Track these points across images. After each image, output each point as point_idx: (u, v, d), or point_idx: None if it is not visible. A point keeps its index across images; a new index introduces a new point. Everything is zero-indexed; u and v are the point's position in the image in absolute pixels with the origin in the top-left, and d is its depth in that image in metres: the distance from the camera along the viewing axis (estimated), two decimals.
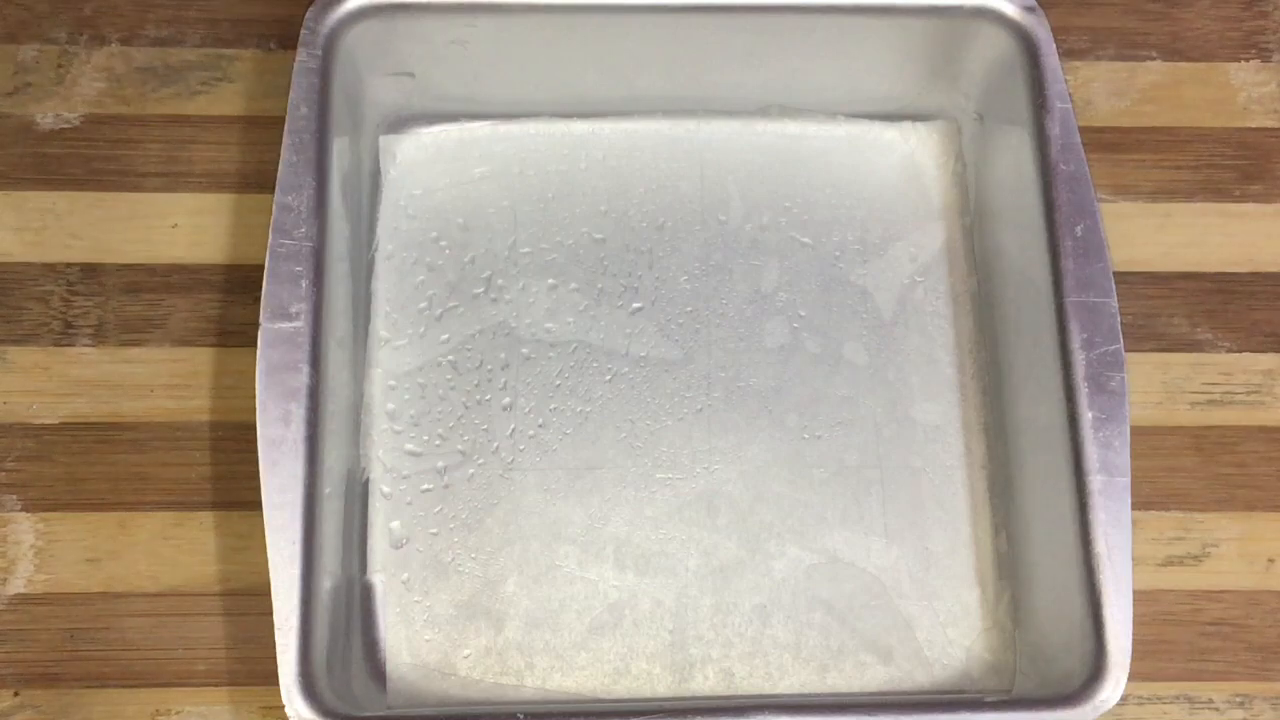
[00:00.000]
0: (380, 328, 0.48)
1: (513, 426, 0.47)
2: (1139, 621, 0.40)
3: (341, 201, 0.45)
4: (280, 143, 0.44)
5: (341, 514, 0.43)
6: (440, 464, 0.47)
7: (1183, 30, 0.53)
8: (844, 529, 0.46)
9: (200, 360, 0.48)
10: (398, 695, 0.44)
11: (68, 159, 0.50)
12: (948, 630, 0.45)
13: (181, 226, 0.49)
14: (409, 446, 0.47)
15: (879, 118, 0.51)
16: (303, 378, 0.42)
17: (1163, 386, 0.48)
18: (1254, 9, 0.54)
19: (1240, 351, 0.49)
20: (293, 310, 0.42)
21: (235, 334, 0.48)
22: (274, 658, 0.39)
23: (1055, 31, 0.46)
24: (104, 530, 0.46)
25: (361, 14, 0.46)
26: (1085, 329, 0.43)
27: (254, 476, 0.41)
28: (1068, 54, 0.52)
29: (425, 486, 0.46)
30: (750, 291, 0.49)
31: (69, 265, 0.49)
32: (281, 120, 0.44)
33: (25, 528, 0.46)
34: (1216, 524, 0.47)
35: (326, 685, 0.40)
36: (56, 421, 0.47)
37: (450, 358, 0.48)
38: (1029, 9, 0.46)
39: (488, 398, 0.47)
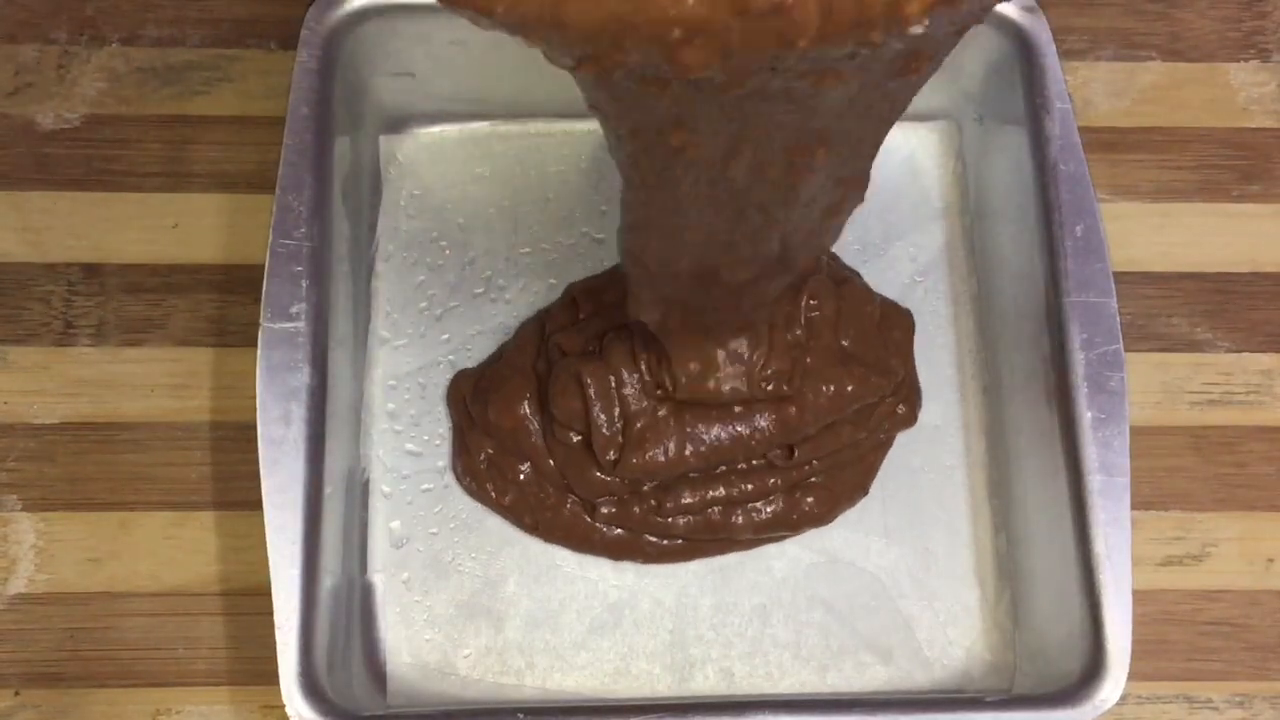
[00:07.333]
0: (380, 328, 0.48)
1: None
2: (1139, 621, 0.40)
3: (341, 201, 0.45)
4: (280, 143, 0.44)
5: (341, 514, 0.43)
6: (440, 464, 0.47)
7: (1182, 30, 0.53)
8: (844, 529, 0.46)
9: (200, 360, 0.48)
10: (398, 695, 0.44)
11: (68, 159, 0.50)
12: (948, 630, 0.45)
13: (181, 226, 0.49)
14: (409, 446, 0.47)
15: None
16: (303, 378, 0.42)
17: (1162, 386, 0.49)
18: (1254, 9, 0.54)
19: (1240, 351, 0.49)
20: (293, 310, 0.42)
21: (235, 334, 0.48)
22: (274, 657, 0.39)
23: (1055, 32, 0.46)
24: (104, 530, 0.46)
25: (362, 14, 0.46)
26: (1085, 329, 0.43)
27: (254, 476, 0.41)
28: (1067, 54, 0.52)
29: (425, 486, 0.46)
30: None
31: (69, 265, 0.49)
32: (281, 120, 0.44)
33: (25, 527, 0.46)
34: (1216, 524, 0.47)
35: (327, 685, 0.40)
36: (57, 421, 0.47)
37: (450, 358, 0.48)
38: (1029, 9, 0.46)
39: None
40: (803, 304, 0.44)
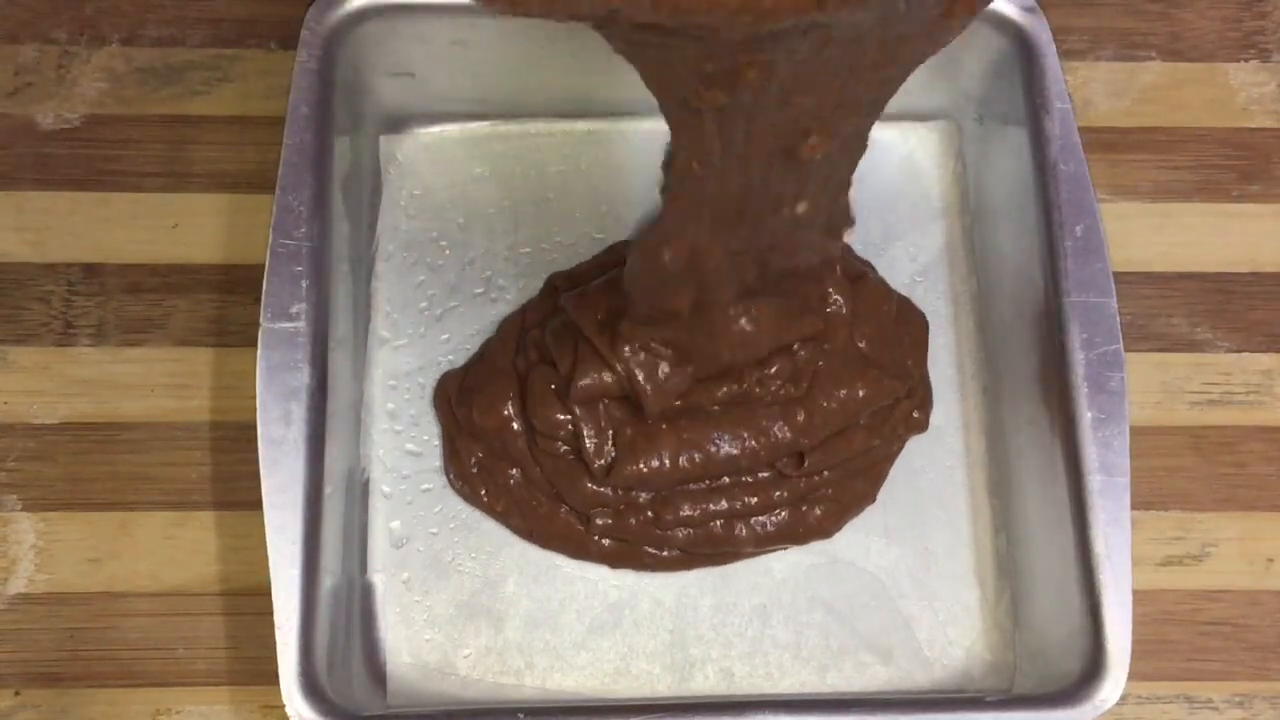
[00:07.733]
0: (380, 328, 0.48)
1: None
2: (1139, 621, 0.40)
3: (342, 201, 0.45)
4: (280, 143, 0.44)
5: (341, 514, 0.43)
6: (440, 464, 0.47)
7: (1182, 30, 0.53)
8: (844, 530, 0.46)
9: (200, 360, 0.48)
10: (398, 695, 0.44)
11: (68, 159, 0.50)
12: (948, 630, 0.45)
13: (181, 226, 0.49)
14: (409, 446, 0.47)
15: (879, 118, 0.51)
16: (303, 378, 0.42)
17: (1162, 386, 0.48)
18: (1254, 9, 0.54)
19: (1240, 351, 0.49)
20: (293, 310, 0.42)
21: (235, 334, 0.48)
22: (274, 657, 0.39)
23: (1055, 32, 0.46)
24: (104, 530, 0.46)
25: (362, 14, 0.46)
26: (1085, 329, 0.43)
27: (254, 476, 0.41)
28: (1067, 54, 0.52)
29: (425, 486, 0.46)
30: None
31: (69, 265, 0.49)
32: (281, 120, 0.44)
33: (25, 527, 0.46)
34: (1216, 524, 0.47)
35: (327, 685, 0.40)
36: (57, 421, 0.47)
37: (450, 358, 0.48)
38: (1029, 9, 0.46)
39: None
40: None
